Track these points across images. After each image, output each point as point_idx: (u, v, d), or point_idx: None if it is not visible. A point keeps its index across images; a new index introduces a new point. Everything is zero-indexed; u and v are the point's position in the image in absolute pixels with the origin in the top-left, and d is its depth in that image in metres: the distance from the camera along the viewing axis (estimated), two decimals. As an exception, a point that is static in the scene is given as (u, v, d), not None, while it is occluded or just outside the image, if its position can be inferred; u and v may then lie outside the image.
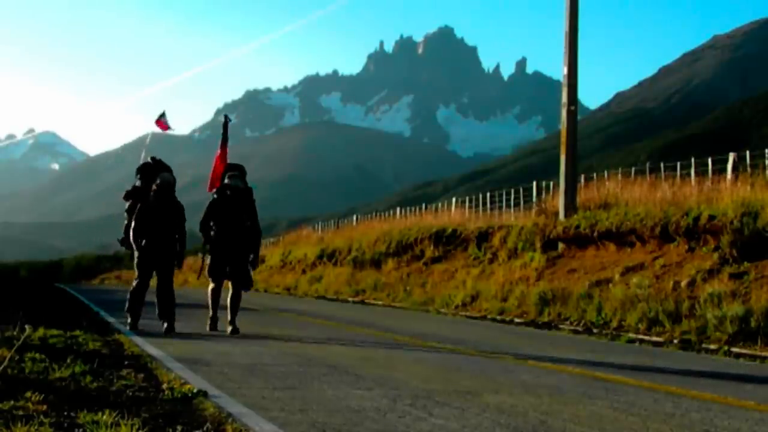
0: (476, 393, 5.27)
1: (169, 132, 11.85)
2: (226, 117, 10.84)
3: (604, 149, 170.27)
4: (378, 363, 6.92)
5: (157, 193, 9.71)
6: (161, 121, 11.49)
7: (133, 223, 9.71)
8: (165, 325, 9.50)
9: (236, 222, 9.54)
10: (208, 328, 9.66)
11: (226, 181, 9.76)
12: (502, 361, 7.49)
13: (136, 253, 9.72)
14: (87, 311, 13.19)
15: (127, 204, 10.30)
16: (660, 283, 12.14)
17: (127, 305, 9.87)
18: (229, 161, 10.45)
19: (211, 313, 9.79)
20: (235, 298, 9.59)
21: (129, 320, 9.75)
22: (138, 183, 10.33)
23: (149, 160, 10.50)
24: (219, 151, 10.48)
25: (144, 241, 9.62)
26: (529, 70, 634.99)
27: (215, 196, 9.78)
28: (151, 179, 9.95)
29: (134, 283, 9.83)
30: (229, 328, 9.39)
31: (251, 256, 9.67)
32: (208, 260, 9.83)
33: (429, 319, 14.60)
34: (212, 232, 9.62)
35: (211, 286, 9.82)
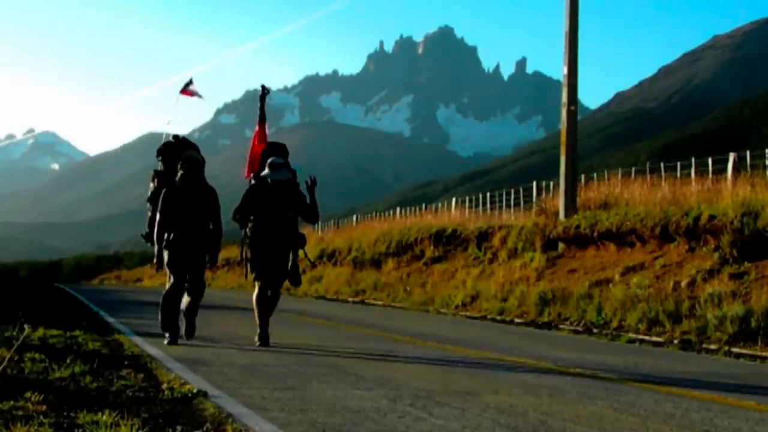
0: (476, 393, 5.27)
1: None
2: (263, 87, 9.09)
3: (604, 149, 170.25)
4: (378, 363, 6.93)
5: (184, 174, 8.10)
6: (188, 89, 9.76)
7: (158, 215, 8.11)
8: (185, 321, 8.19)
9: (278, 213, 8.17)
10: (256, 342, 8.19)
11: (266, 171, 8.24)
12: (502, 361, 7.49)
13: (164, 252, 8.12)
14: (87, 311, 13.19)
15: (150, 189, 8.72)
16: (660, 283, 12.14)
17: (160, 319, 8.16)
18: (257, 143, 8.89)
19: (259, 328, 8.24)
20: (272, 300, 8.36)
21: (168, 337, 8.07)
22: (160, 167, 8.81)
23: (171, 139, 8.97)
24: (257, 128, 8.92)
25: (172, 236, 8.00)
26: (529, 70, 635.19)
27: (253, 182, 8.39)
28: (174, 161, 8.42)
29: (167, 288, 8.23)
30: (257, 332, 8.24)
31: (293, 251, 8.32)
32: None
33: (429, 319, 14.60)
34: (250, 225, 8.21)
35: (256, 291, 8.29)
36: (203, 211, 8.13)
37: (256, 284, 8.27)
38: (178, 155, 8.38)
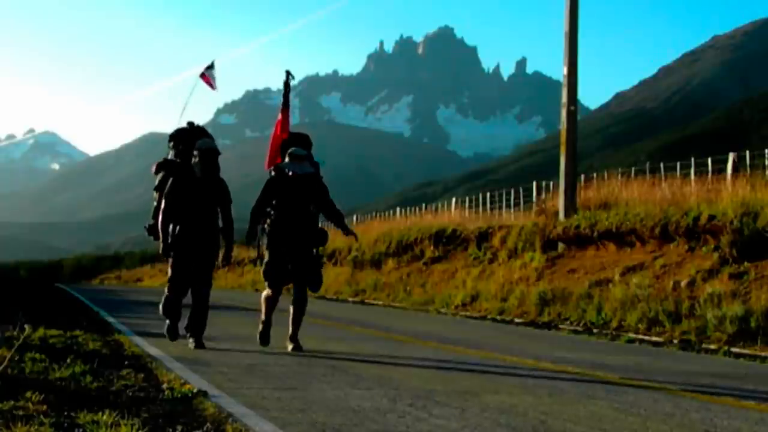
0: (476, 393, 5.27)
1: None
2: (288, 73, 8.47)
3: (604, 149, 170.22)
4: (378, 363, 6.93)
5: (204, 165, 7.53)
6: (207, 75, 9.34)
7: (163, 203, 7.59)
8: (192, 340, 7.65)
9: (300, 208, 7.62)
10: (258, 340, 7.82)
11: (286, 161, 7.74)
12: (502, 361, 7.49)
13: (162, 245, 7.63)
14: (87, 311, 13.19)
15: (156, 179, 8.07)
16: (660, 283, 12.15)
17: (161, 311, 7.88)
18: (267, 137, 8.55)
19: (262, 322, 7.80)
20: (299, 304, 7.73)
21: (167, 323, 7.87)
22: (171, 154, 8.17)
23: (186, 125, 8.34)
24: (279, 116, 8.38)
25: (178, 228, 7.49)
26: (529, 70, 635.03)
27: (273, 173, 7.82)
28: (188, 148, 7.84)
29: (167, 288, 7.78)
30: (290, 346, 7.65)
31: (315, 249, 7.75)
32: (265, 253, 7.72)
33: (429, 319, 14.61)
34: (268, 221, 7.65)
35: (265, 292, 7.82)
36: (214, 206, 7.65)
37: (267, 288, 7.79)
38: (192, 142, 7.84)
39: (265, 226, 7.68)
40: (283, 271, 7.60)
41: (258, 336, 7.83)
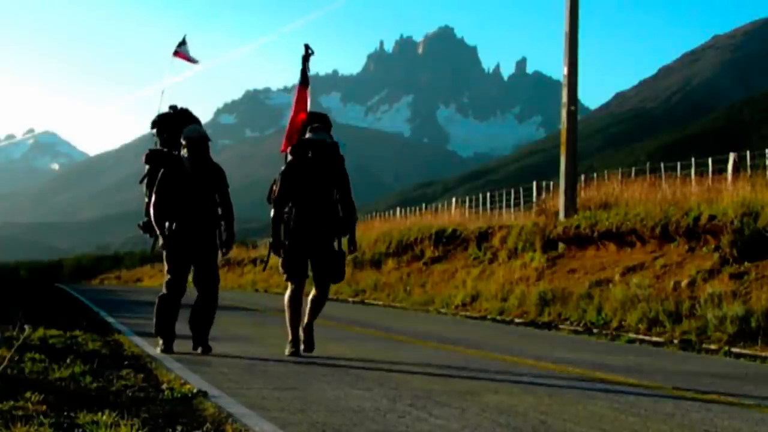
0: (476, 393, 5.27)
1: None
2: (306, 48, 7.72)
3: (604, 149, 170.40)
4: (378, 363, 6.92)
5: (192, 154, 7.00)
6: (181, 52, 8.61)
7: (153, 197, 7.03)
8: (200, 349, 7.12)
9: (322, 193, 7.04)
10: (286, 352, 7.15)
11: (307, 135, 7.18)
12: (502, 361, 7.49)
13: (160, 242, 7.06)
14: (87, 311, 13.19)
15: (144, 170, 7.51)
16: (660, 283, 12.14)
17: (155, 322, 7.14)
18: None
19: (290, 335, 7.16)
20: (319, 299, 7.31)
21: (161, 343, 7.11)
22: (156, 142, 7.60)
23: (169, 109, 7.71)
24: (297, 95, 7.66)
25: (174, 225, 6.94)
26: (529, 70, 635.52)
27: (291, 157, 7.21)
28: (174, 135, 7.29)
29: (163, 289, 7.12)
30: (301, 336, 7.18)
31: (338, 240, 7.17)
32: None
33: (429, 319, 14.61)
34: (286, 210, 7.05)
35: (288, 291, 7.21)
36: (211, 196, 7.10)
37: (289, 285, 7.20)
38: (177, 128, 7.30)
39: (284, 217, 7.10)
40: (302, 263, 7.04)
41: (288, 350, 7.17)
